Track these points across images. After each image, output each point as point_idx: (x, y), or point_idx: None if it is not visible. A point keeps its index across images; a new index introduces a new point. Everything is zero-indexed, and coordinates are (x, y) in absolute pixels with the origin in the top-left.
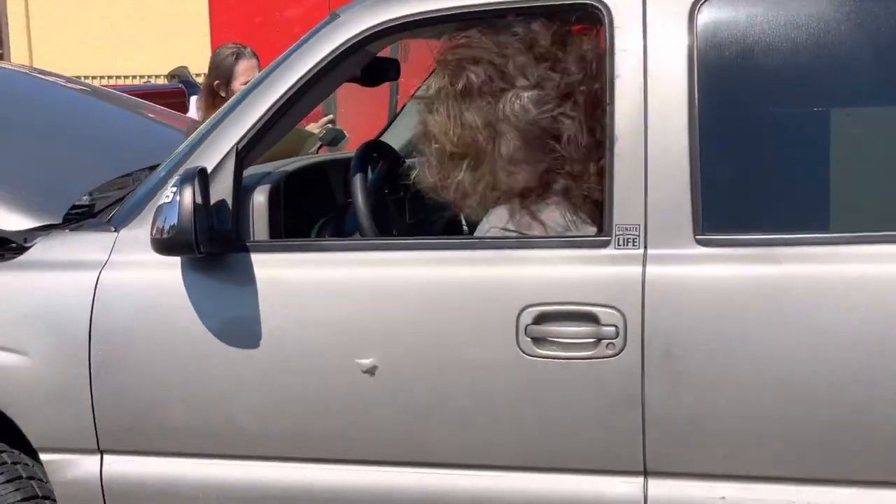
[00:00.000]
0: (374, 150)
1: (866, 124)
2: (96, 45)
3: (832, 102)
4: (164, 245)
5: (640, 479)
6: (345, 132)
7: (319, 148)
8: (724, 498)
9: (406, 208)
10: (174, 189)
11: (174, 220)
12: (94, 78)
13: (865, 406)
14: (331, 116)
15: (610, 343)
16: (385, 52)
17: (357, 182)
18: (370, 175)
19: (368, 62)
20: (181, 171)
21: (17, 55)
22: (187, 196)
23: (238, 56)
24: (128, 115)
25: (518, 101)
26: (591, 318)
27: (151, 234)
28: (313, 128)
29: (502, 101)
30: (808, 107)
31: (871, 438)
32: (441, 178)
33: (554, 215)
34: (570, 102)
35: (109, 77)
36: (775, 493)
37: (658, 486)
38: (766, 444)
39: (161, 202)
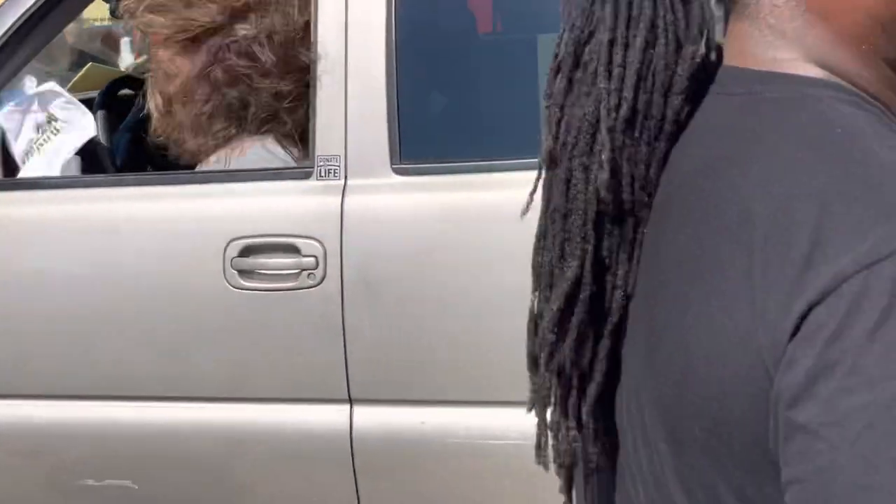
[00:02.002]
0: (126, 87)
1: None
2: None
3: (534, 28)
4: None
5: (347, 407)
6: None
7: None
8: (423, 422)
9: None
10: None
11: None
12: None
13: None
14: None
15: (311, 273)
16: None
17: (98, 118)
18: (134, 110)
19: None
20: None
21: None
22: None
23: None
24: None
25: (229, 41)
26: (293, 250)
27: None
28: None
29: (211, 41)
30: (508, 34)
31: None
32: (157, 121)
33: (271, 149)
34: (275, 38)
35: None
36: (473, 416)
37: (363, 414)
38: (458, 370)
39: None
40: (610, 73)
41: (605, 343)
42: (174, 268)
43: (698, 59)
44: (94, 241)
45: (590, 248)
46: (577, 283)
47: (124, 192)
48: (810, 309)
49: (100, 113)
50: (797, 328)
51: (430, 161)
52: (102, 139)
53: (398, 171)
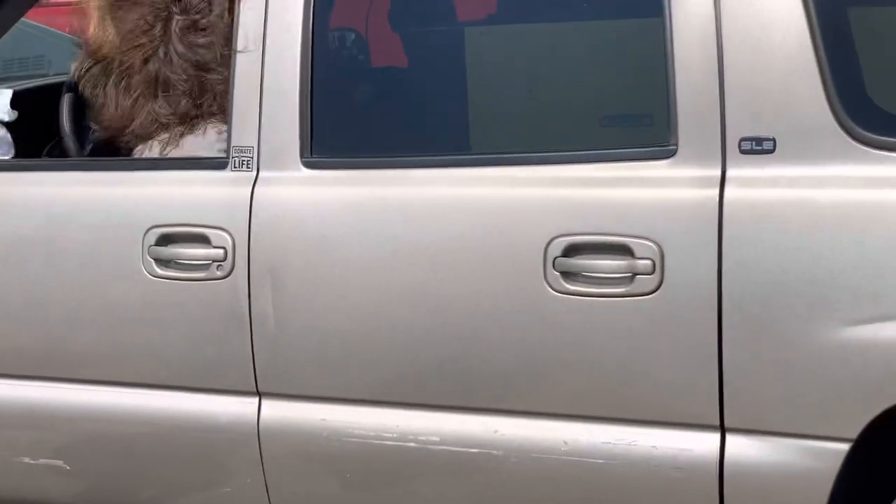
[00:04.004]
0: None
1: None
2: None
3: (452, 24)
4: None
5: (255, 400)
6: None
7: None
8: (324, 419)
9: None
10: None
11: None
12: None
13: (465, 332)
14: None
15: (220, 265)
16: None
17: (64, 102)
18: None
19: None
20: None
21: None
22: None
23: None
24: None
25: (177, 29)
26: (204, 240)
27: None
28: None
29: (160, 30)
30: (430, 28)
31: (478, 365)
32: (101, 108)
33: (210, 138)
34: (211, 28)
35: None
36: (379, 416)
37: (271, 407)
38: (368, 369)
39: None
40: None
41: None
42: (95, 254)
43: None
44: (13, 223)
45: None
46: None
47: (47, 176)
48: None
49: (67, 96)
50: None
51: (340, 156)
52: (66, 124)
53: (308, 165)
